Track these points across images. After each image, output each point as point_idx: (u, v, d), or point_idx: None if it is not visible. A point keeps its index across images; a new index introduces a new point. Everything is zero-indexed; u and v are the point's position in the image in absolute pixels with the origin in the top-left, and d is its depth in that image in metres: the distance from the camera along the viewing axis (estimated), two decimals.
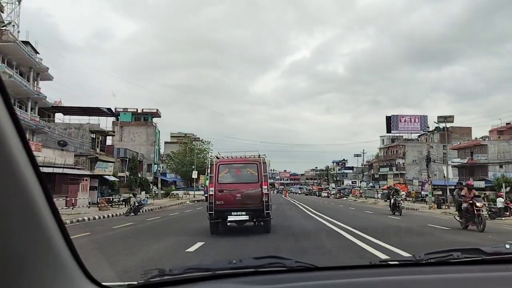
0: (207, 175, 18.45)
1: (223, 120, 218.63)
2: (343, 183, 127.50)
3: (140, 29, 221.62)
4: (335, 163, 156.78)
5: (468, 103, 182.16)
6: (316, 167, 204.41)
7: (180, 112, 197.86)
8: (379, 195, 64.62)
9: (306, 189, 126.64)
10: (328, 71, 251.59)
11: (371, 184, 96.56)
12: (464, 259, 1.70)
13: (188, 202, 41.19)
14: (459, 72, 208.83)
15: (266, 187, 12.25)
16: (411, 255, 1.82)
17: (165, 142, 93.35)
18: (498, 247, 1.77)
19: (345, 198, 72.02)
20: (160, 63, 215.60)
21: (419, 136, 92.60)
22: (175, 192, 54.95)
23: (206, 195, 30.34)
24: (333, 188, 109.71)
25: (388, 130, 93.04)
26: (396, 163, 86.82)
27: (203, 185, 53.95)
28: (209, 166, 13.25)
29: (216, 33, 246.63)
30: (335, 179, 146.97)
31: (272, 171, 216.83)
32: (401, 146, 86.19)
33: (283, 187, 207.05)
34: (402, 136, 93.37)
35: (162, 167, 76.22)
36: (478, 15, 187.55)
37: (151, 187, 54.33)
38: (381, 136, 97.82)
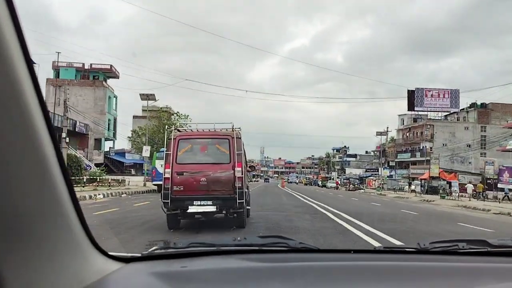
0: (156, 154, 14.90)
1: (218, 107, 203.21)
2: (344, 172, 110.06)
3: (136, 11, 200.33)
4: (335, 150, 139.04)
5: (464, 95, 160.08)
6: (313, 155, 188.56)
7: (174, 98, 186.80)
8: (413, 187, 46.36)
9: (306, 178, 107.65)
10: (327, 60, 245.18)
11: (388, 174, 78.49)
12: (469, 250, 1.67)
13: (102, 197, 22.07)
14: (457, 64, 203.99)
15: (240, 169, 9.22)
16: (416, 243, 1.72)
17: (134, 116, 75.40)
18: (504, 240, 1.74)
19: (362, 191, 53.66)
20: (155, 47, 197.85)
21: (446, 115, 74.43)
22: (114, 177, 36.07)
23: (155, 182, 23.55)
24: (338, 177, 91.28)
25: (411, 107, 74.59)
26: (421, 147, 68.59)
27: (149, 170, 35.13)
28: (166, 141, 10.00)
29: (213, 17, 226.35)
30: (335, 167, 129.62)
31: (266, 158, 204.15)
32: (428, 126, 67.79)
33: (277, 175, 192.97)
34: (426, 115, 75.27)
35: (127, 146, 57.93)
36: (478, 5, 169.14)
37: (86, 168, 35.29)
38: (399, 115, 79.29)
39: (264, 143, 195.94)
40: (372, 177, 67.51)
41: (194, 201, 9.18)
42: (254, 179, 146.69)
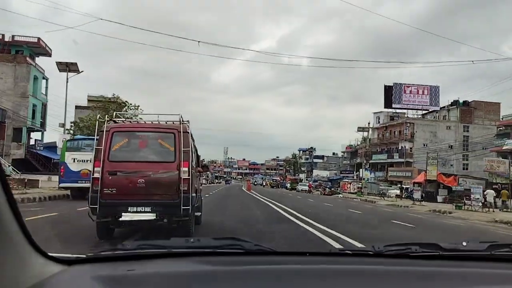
0: (67, 143, 13.68)
1: (182, 107, 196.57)
2: (311, 173, 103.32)
3: (98, 6, 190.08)
4: (301, 151, 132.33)
5: None
6: (277, 157, 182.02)
7: (137, 97, 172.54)
8: (398, 191, 39.05)
9: (272, 180, 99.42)
10: (292, 63, 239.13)
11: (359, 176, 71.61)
12: (422, 253, 1.68)
13: None
14: (417, 70, 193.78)
15: (186, 169, 7.46)
16: (371, 246, 1.71)
17: (77, 107, 65.30)
18: (456, 244, 1.75)
19: (340, 196, 45.97)
20: (117, 45, 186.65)
21: (424, 114, 68.35)
22: (30, 176, 26.68)
23: (63, 185, 18.58)
24: (307, 179, 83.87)
25: (388, 104, 67.91)
26: (400, 147, 61.99)
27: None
28: (98, 134, 7.88)
29: (180, 15, 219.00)
30: (302, 169, 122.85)
31: (230, 159, 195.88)
32: (408, 125, 61.17)
33: (241, 177, 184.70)
34: (404, 113, 68.94)
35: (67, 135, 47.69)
36: (439, 15, 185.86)
37: None
38: (375, 113, 72.59)
39: (228, 143, 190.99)
40: (347, 180, 60.03)
41: (129, 207, 7.32)
42: (217, 180, 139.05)
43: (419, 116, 67.42)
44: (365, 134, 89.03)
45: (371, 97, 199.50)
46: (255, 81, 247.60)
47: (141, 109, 51.54)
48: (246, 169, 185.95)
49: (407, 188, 40.19)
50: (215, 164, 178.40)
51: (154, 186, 7.46)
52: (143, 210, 7.37)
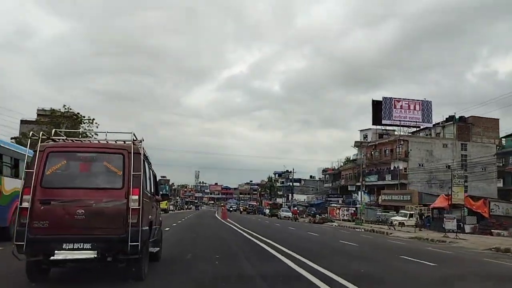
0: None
1: (153, 131, 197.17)
2: (292, 197, 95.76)
3: (66, 29, 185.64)
4: (277, 175, 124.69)
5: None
6: (251, 181, 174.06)
7: (108, 120, 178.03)
8: (418, 220, 31.46)
9: (248, 205, 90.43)
10: (264, 88, 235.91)
11: (340, 200, 64.11)
12: None
13: None
14: (387, 95, 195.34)
15: (136, 197, 6.22)
16: None
17: (22, 121, 56.64)
18: None
19: (335, 224, 37.91)
20: (86, 67, 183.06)
21: (416, 131, 62.03)
22: None
23: None
24: (287, 204, 75.72)
25: (376, 120, 61.37)
26: (392, 167, 55.05)
27: None
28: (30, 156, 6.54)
29: (150, 39, 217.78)
30: (278, 192, 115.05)
31: (202, 184, 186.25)
32: (401, 143, 54.39)
33: (213, 202, 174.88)
34: (394, 130, 62.49)
35: None
36: (405, 43, 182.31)
37: None
38: (361, 131, 65.90)
39: (200, 168, 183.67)
40: (335, 205, 52.21)
41: (64, 244, 5.92)
42: (187, 206, 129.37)
43: (410, 133, 61.06)
44: (349, 154, 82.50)
45: (341, 122, 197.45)
46: (227, 106, 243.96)
47: (96, 123, 43.39)
48: (218, 194, 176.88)
49: (422, 215, 32.65)
50: (186, 189, 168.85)
51: (96, 218, 6.04)
52: (82, 247, 5.96)
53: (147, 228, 6.70)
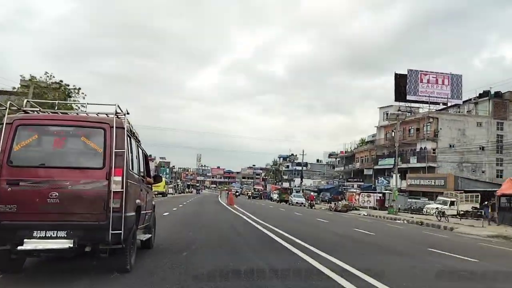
0: None
1: (156, 115, 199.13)
2: (292, 182, 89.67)
3: (71, 9, 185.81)
4: (281, 158, 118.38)
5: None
6: (254, 165, 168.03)
7: (109, 102, 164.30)
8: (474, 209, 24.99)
9: (254, 189, 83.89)
10: (268, 72, 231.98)
11: (361, 185, 57.65)
12: None
13: None
14: (389, 82, 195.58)
15: (119, 178, 5.45)
16: None
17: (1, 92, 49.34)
18: None
19: (364, 214, 31.43)
20: (90, 48, 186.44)
21: (444, 108, 55.19)
22: None
23: None
24: (295, 188, 69.32)
25: (399, 96, 54.82)
26: (418, 149, 48.49)
27: None
28: None
29: (154, 21, 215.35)
30: (284, 176, 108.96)
31: (203, 167, 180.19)
32: (430, 120, 47.72)
33: (215, 185, 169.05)
34: (419, 108, 55.77)
35: None
36: (413, 27, 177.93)
37: None
38: (381, 108, 59.11)
39: (202, 152, 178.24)
40: (353, 191, 45.69)
41: (34, 231, 5.20)
42: (188, 190, 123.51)
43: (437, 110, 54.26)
44: (364, 136, 75.78)
45: (345, 108, 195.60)
46: (230, 90, 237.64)
47: (83, 93, 36.72)
48: (220, 178, 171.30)
49: (486, 203, 26.14)
50: (187, 172, 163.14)
51: (72, 202, 5.29)
52: (55, 235, 5.19)
53: (133, 214, 5.88)
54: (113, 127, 5.50)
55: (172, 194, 69.31)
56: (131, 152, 6.08)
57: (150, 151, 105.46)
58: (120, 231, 5.27)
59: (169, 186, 70.68)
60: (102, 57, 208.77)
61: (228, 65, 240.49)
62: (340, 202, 34.43)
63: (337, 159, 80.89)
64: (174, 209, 20.95)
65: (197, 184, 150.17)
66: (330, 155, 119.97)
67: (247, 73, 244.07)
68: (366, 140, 70.15)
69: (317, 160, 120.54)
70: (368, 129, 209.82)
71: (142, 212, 6.68)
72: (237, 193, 75.20)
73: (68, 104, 31.63)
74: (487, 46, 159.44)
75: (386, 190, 40.70)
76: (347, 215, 29.23)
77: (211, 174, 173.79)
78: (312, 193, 41.05)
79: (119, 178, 5.32)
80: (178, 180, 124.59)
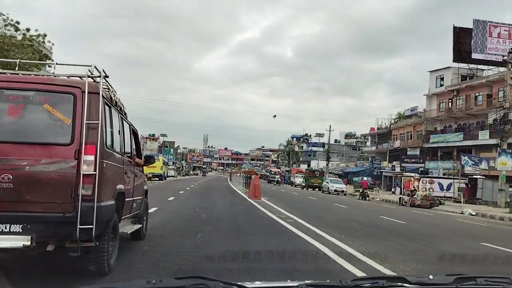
0: None
1: (163, 96, 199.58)
2: (309, 165, 78.53)
3: None
4: (294, 139, 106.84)
5: (405, 95, 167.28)
6: (263, 146, 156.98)
7: (114, 84, 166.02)
8: None
9: (270, 172, 71.87)
10: (276, 54, 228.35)
11: (393, 169, 45.95)
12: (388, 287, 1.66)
13: None
14: (400, 64, 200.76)
15: (91, 157, 4.18)
16: (337, 280, 1.69)
17: None
18: (422, 277, 1.72)
19: (472, 213, 19.65)
20: (97, 29, 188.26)
21: None
22: None
23: None
24: (319, 170, 57.70)
25: (459, 55, 42.96)
26: (492, 121, 36.57)
27: None
28: None
29: (162, 2, 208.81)
30: (298, 158, 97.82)
31: (210, 148, 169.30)
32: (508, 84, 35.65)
33: (222, 168, 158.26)
34: (483, 70, 43.72)
35: None
36: (426, 8, 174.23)
37: None
38: (432, 72, 46.86)
39: (209, 133, 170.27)
40: (411, 176, 33.66)
41: None
42: (193, 172, 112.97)
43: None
44: (401, 110, 63.43)
45: (354, 91, 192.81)
46: (238, 71, 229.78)
47: (50, 42, 25.37)
48: (228, 159, 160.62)
49: None
50: (193, 154, 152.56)
51: (29, 188, 4.08)
52: (8, 229, 3.97)
53: (111, 202, 4.56)
54: (85, 92, 4.19)
55: (173, 176, 58.18)
56: (111, 126, 4.74)
57: (156, 131, 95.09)
58: (91, 226, 4.02)
59: (170, 167, 59.36)
60: (110, 39, 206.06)
61: (236, 47, 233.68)
62: (417, 192, 22.85)
63: (365, 138, 68.89)
64: (154, 209, 9.88)
65: (204, 166, 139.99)
66: (347, 136, 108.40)
67: (255, 55, 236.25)
68: (404, 114, 58.13)
69: (335, 141, 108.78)
70: (378, 112, 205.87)
71: (127, 199, 5.33)
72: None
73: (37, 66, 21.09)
74: None
75: (476, 173, 28.93)
76: (443, 216, 17.58)
77: (218, 156, 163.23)
78: (365, 179, 29.38)
79: (91, 157, 4.11)
80: (183, 162, 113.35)
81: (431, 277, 1.73)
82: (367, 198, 26.89)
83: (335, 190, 32.96)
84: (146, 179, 7.71)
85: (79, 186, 4.03)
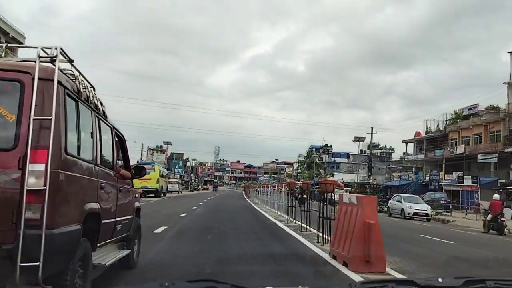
0: None
1: (174, 111, 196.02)
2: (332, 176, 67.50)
3: (93, 6, 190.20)
4: (314, 150, 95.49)
5: (417, 108, 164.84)
6: (277, 159, 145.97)
7: (128, 100, 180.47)
8: None
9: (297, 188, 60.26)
10: (288, 68, 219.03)
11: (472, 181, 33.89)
12: None
13: None
14: (413, 77, 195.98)
15: (41, 166, 2.83)
16: (347, 284, 1.68)
17: None
18: (431, 280, 1.69)
19: None
20: (111, 46, 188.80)
21: None
22: None
23: None
24: (372, 183, 45.99)
25: None
26: None
27: None
28: None
29: (175, 17, 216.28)
30: (321, 170, 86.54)
31: (222, 161, 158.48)
32: None
33: (235, 182, 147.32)
34: None
35: None
36: (438, 21, 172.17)
37: None
38: None
39: (221, 148, 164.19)
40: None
41: None
42: (203, 185, 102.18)
43: None
44: (457, 109, 51.55)
45: (367, 103, 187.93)
46: (250, 86, 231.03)
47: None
48: (240, 173, 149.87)
49: None
50: (204, 167, 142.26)
51: None
52: None
53: (75, 228, 3.25)
54: (34, 78, 2.96)
55: (178, 192, 47.02)
56: (78, 126, 3.47)
57: (169, 147, 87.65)
58: (37, 263, 2.75)
59: (173, 180, 48.11)
60: (123, 55, 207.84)
61: (248, 61, 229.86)
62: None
63: (407, 145, 56.93)
64: None
65: (215, 180, 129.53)
66: (368, 147, 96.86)
67: (267, 69, 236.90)
68: (463, 114, 46.32)
69: (361, 151, 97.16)
70: (388, 124, 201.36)
71: (105, 221, 3.99)
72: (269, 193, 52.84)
73: None
74: None
75: None
76: None
77: (231, 169, 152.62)
78: (495, 197, 17.73)
79: (40, 167, 2.86)
80: (192, 175, 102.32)
81: (440, 280, 1.68)
82: (504, 230, 15.13)
83: (414, 214, 21.40)
84: (138, 195, 6.04)
85: (23, 207, 2.80)
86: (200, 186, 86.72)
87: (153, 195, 31.04)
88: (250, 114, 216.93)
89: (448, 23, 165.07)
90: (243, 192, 71.41)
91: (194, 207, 20.62)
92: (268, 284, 2.01)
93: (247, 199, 34.87)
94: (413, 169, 53.46)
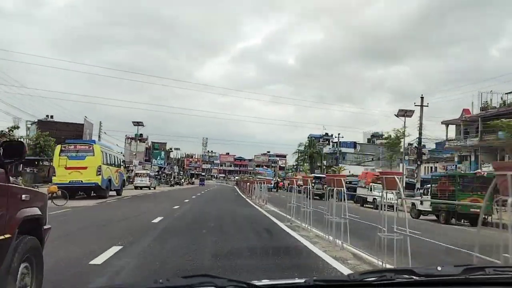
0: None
1: (164, 104, 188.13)
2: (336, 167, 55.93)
3: None
4: (313, 138, 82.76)
5: (408, 103, 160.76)
6: (269, 151, 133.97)
7: (116, 92, 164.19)
8: None
9: (315, 178, 47.57)
10: (278, 62, 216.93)
11: None
12: (396, 280, 1.62)
13: None
14: (403, 72, 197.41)
15: None
16: (345, 275, 1.65)
17: None
18: (430, 269, 1.69)
19: None
20: (99, 38, 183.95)
21: None
22: None
23: None
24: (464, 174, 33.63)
25: None
26: None
27: None
28: None
29: (164, 9, 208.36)
30: (324, 162, 73.88)
31: (210, 153, 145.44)
32: None
33: (224, 175, 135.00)
34: None
35: None
36: (430, 14, 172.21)
37: None
38: None
39: (210, 140, 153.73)
40: None
41: None
42: (188, 180, 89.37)
43: None
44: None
45: (356, 98, 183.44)
46: (240, 79, 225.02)
47: None
48: (230, 166, 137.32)
49: None
50: (191, 159, 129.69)
51: None
52: None
53: None
54: None
55: (149, 188, 34.09)
56: None
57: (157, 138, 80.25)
58: None
59: (141, 172, 34.92)
60: (112, 47, 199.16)
61: (238, 55, 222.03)
62: None
63: (447, 127, 44.59)
64: None
65: (202, 173, 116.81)
66: (374, 136, 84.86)
67: (257, 63, 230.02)
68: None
69: (368, 140, 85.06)
70: (379, 119, 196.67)
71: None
72: (272, 188, 41.89)
73: None
74: (505, 34, 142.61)
75: None
76: None
77: (219, 162, 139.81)
78: None
79: None
80: (175, 167, 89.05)
81: (439, 268, 1.68)
82: None
83: None
84: (32, 196, 3.40)
85: None
86: (183, 180, 73.48)
87: (94, 193, 18.29)
88: (239, 107, 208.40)
89: (438, 17, 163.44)
90: (236, 187, 58.87)
91: (160, 218, 7.94)
92: None
93: (248, 200, 22.34)
94: (456, 158, 41.35)
